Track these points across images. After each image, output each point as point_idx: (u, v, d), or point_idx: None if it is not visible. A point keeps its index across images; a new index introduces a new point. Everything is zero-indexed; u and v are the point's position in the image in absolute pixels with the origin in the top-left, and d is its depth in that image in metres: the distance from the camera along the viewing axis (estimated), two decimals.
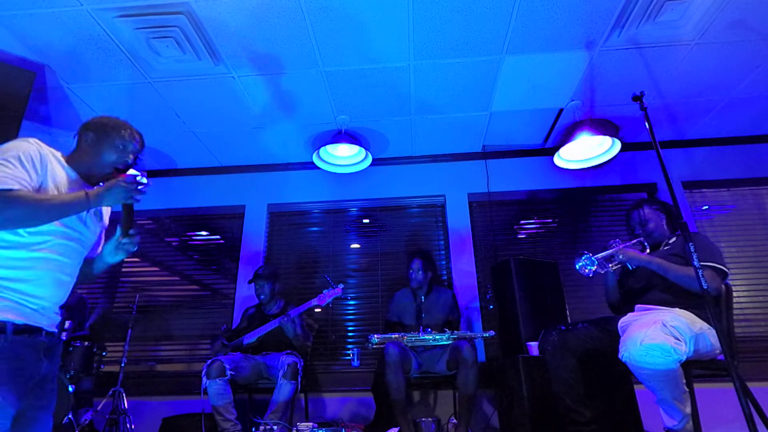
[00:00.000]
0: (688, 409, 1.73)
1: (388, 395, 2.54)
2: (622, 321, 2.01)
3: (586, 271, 2.09)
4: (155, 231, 4.06)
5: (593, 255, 2.10)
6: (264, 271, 3.14)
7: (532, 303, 2.80)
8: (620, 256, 2.09)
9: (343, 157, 3.51)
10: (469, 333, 2.71)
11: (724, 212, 3.68)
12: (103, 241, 1.51)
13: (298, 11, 2.34)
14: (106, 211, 1.50)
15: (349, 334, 3.56)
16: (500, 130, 3.57)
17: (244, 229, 3.88)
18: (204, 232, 4.08)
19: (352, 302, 3.63)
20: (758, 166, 3.69)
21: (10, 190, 1.10)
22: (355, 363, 3.29)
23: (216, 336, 3.05)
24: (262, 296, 3.09)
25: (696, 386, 1.78)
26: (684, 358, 1.70)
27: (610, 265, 2.17)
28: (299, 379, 2.65)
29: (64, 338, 2.84)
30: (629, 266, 2.12)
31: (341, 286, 2.93)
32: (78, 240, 1.31)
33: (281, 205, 4.00)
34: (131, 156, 1.41)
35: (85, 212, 1.33)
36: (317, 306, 2.89)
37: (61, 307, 1.32)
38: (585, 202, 3.82)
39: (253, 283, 3.12)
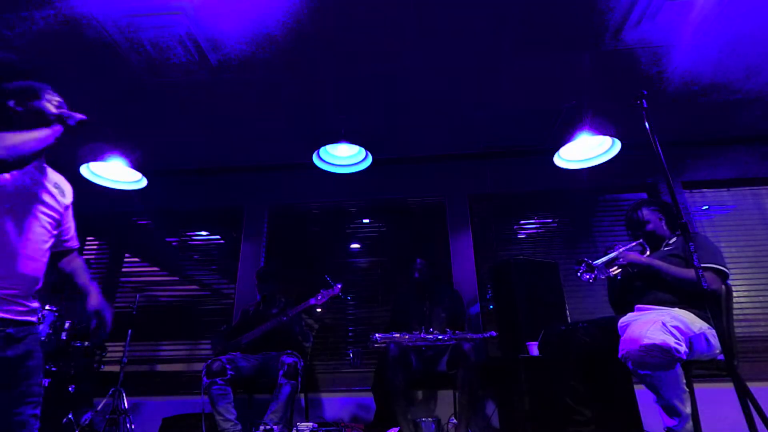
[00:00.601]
0: (688, 409, 1.73)
1: (389, 395, 2.53)
2: (622, 321, 2.01)
3: (587, 277, 2.08)
4: (155, 231, 4.06)
5: (593, 261, 2.09)
6: (265, 270, 3.14)
7: (532, 303, 2.80)
8: (620, 260, 2.09)
9: (343, 157, 3.51)
10: (469, 333, 2.71)
11: (724, 212, 3.68)
12: (74, 227, 1.47)
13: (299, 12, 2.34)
14: (69, 190, 1.47)
15: (350, 334, 3.56)
16: (500, 130, 3.57)
17: (244, 229, 3.88)
18: (204, 232, 4.07)
19: (352, 302, 3.62)
20: (758, 166, 3.69)
21: None
22: (355, 363, 3.29)
23: (216, 335, 3.05)
24: (264, 294, 3.09)
25: (696, 386, 1.78)
26: (684, 358, 1.70)
27: (611, 270, 2.16)
28: (299, 379, 2.65)
29: (64, 338, 2.83)
30: (630, 269, 2.12)
31: (339, 285, 2.93)
32: (35, 209, 1.26)
33: (281, 206, 3.99)
34: (59, 108, 1.37)
35: (39, 186, 1.30)
36: (315, 305, 2.89)
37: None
38: (585, 202, 3.82)
39: (254, 282, 3.13)
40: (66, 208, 1.43)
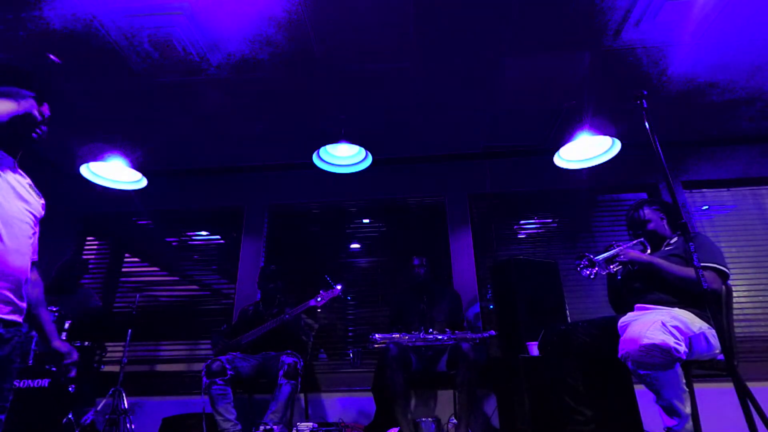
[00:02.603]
0: (688, 409, 1.72)
1: (389, 395, 2.53)
2: (622, 321, 2.01)
3: (587, 272, 2.08)
4: (155, 231, 4.06)
5: (594, 257, 2.09)
6: (266, 270, 3.14)
7: (532, 303, 2.80)
8: (621, 257, 2.09)
9: (343, 157, 3.51)
10: (469, 333, 2.71)
11: (724, 212, 3.68)
12: (37, 243, 1.42)
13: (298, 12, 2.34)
14: (40, 197, 1.43)
15: (350, 334, 3.56)
16: (500, 130, 3.57)
17: (244, 229, 3.88)
18: (204, 232, 4.07)
19: (352, 302, 3.62)
20: (758, 166, 3.69)
21: None
22: (355, 363, 3.29)
23: (217, 334, 3.05)
24: (265, 293, 3.10)
25: (696, 386, 1.78)
26: (684, 358, 1.70)
27: (612, 267, 2.16)
28: (299, 379, 2.65)
29: (64, 338, 2.83)
30: (630, 267, 2.12)
31: (339, 286, 2.92)
32: (17, 203, 1.24)
33: (281, 206, 4.00)
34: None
35: (17, 182, 1.28)
36: (316, 307, 2.89)
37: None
38: (585, 202, 3.82)
39: (255, 282, 3.13)
40: (43, 206, 1.40)
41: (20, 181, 1.32)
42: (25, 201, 1.29)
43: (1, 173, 1.23)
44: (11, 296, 1.16)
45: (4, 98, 1.19)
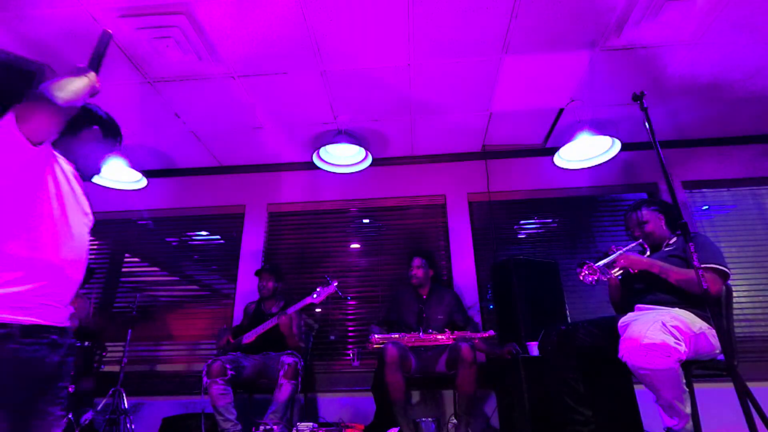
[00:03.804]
0: (688, 409, 1.73)
1: (388, 395, 2.53)
2: (622, 321, 2.01)
3: (590, 279, 2.07)
4: (155, 231, 4.06)
5: (594, 263, 2.07)
6: (269, 266, 3.15)
7: (532, 303, 2.80)
8: (621, 262, 2.08)
9: (343, 157, 3.51)
10: (468, 333, 2.71)
11: (724, 212, 3.68)
12: None
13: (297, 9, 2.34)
14: None
15: (350, 334, 3.56)
16: (500, 130, 3.57)
17: (244, 229, 3.88)
18: (204, 232, 4.07)
19: (352, 302, 3.62)
20: (758, 166, 3.69)
21: None
22: (355, 363, 3.29)
23: (221, 330, 3.06)
24: (264, 291, 3.10)
25: (696, 386, 1.78)
26: (684, 358, 1.70)
27: (613, 272, 2.15)
28: (299, 379, 2.65)
29: None
30: (631, 271, 2.11)
31: (335, 281, 2.91)
32: (85, 222, 1.25)
33: (281, 205, 4.00)
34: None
35: (80, 187, 1.28)
36: (313, 304, 2.88)
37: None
38: (585, 202, 3.82)
39: (257, 277, 3.13)
40: (92, 221, 1.41)
41: (78, 192, 1.31)
42: (85, 213, 1.31)
43: (69, 184, 1.22)
44: (66, 306, 1.22)
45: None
